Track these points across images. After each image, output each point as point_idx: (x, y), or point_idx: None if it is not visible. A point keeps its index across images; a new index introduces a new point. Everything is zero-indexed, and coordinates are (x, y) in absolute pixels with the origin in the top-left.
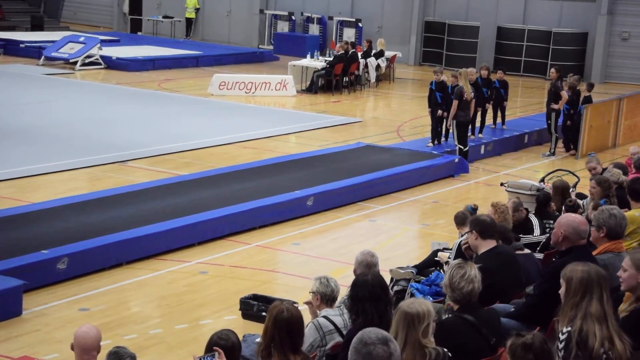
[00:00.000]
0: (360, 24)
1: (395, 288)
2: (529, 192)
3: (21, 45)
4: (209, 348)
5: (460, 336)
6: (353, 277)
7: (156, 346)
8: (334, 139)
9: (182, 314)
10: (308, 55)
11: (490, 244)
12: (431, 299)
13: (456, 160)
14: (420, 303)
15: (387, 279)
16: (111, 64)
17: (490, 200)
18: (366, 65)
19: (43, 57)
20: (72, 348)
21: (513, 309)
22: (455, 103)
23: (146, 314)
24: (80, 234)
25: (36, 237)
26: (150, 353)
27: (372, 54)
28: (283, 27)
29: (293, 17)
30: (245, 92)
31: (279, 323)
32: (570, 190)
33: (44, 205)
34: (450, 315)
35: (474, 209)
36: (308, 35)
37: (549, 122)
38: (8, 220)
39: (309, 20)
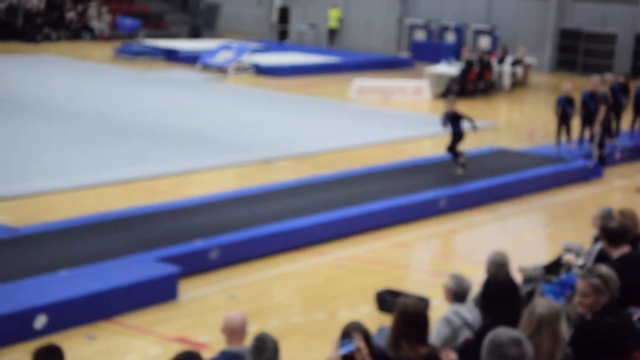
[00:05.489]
0: (495, 32)
1: (526, 288)
2: None
3: (180, 53)
4: (343, 336)
5: (602, 338)
6: (483, 276)
7: (296, 334)
8: (467, 143)
9: (320, 305)
10: (443, 62)
11: (623, 249)
12: (563, 300)
13: (590, 164)
14: (553, 304)
15: (519, 280)
16: (260, 70)
17: (624, 205)
18: (501, 72)
19: (200, 63)
20: (222, 331)
21: None
22: (603, 108)
23: (288, 303)
24: (230, 226)
25: (191, 228)
26: (291, 340)
27: (506, 61)
28: (420, 35)
29: (430, 26)
30: (383, 97)
31: (405, 317)
32: None
33: (198, 199)
34: (592, 317)
35: (610, 212)
36: (443, 43)
37: None
38: (167, 212)
39: (445, 28)
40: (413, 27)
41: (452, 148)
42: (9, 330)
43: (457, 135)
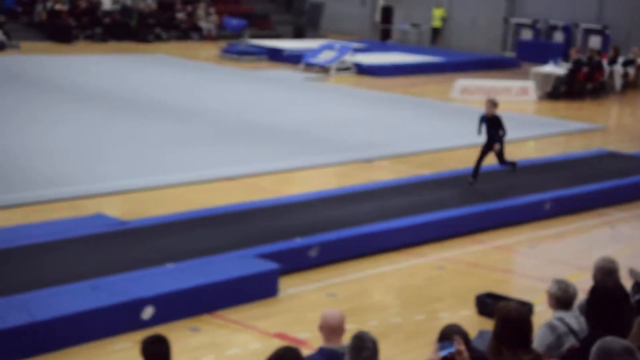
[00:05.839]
0: (606, 31)
1: (637, 297)
2: None
3: (284, 52)
4: (442, 338)
5: None
6: (590, 282)
7: (394, 334)
8: (574, 145)
9: (420, 306)
10: (551, 62)
11: None
12: None
13: None
14: None
15: (629, 286)
16: (362, 70)
17: None
18: (612, 73)
19: (302, 63)
20: (319, 329)
21: None
22: None
23: (387, 303)
24: (329, 225)
25: (292, 226)
26: (389, 340)
27: (618, 62)
28: (527, 34)
29: (537, 25)
30: (487, 97)
31: (507, 322)
32: None
33: (299, 197)
34: None
35: None
36: (551, 43)
37: None
38: (269, 209)
39: (553, 27)
40: (519, 27)
41: (502, 155)
42: (118, 320)
43: (495, 141)
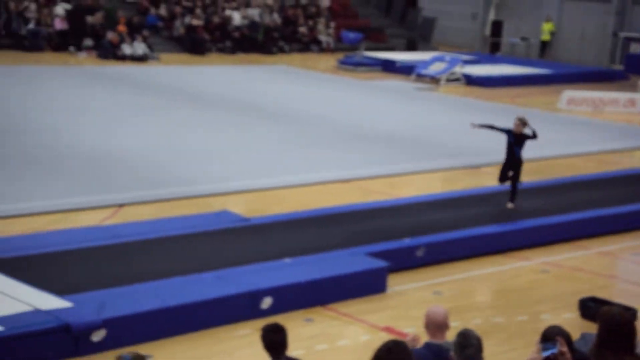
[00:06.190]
0: None
1: None
2: None
3: (397, 63)
4: (544, 339)
5: None
6: None
7: (497, 333)
8: None
9: (522, 307)
10: None
11: None
12: None
13: None
14: None
15: None
16: (471, 80)
17: None
18: None
19: (414, 74)
20: (425, 327)
21: None
22: None
23: (490, 303)
24: (436, 227)
25: (400, 227)
26: (492, 339)
27: None
28: (635, 48)
29: None
30: (593, 109)
31: (611, 326)
32: None
33: (407, 200)
34: None
35: None
36: None
37: None
38: (379, 211)
39: None
40: (628, 41)
41: (518, 177)
42: (240, 308)
43: (519, 162)
